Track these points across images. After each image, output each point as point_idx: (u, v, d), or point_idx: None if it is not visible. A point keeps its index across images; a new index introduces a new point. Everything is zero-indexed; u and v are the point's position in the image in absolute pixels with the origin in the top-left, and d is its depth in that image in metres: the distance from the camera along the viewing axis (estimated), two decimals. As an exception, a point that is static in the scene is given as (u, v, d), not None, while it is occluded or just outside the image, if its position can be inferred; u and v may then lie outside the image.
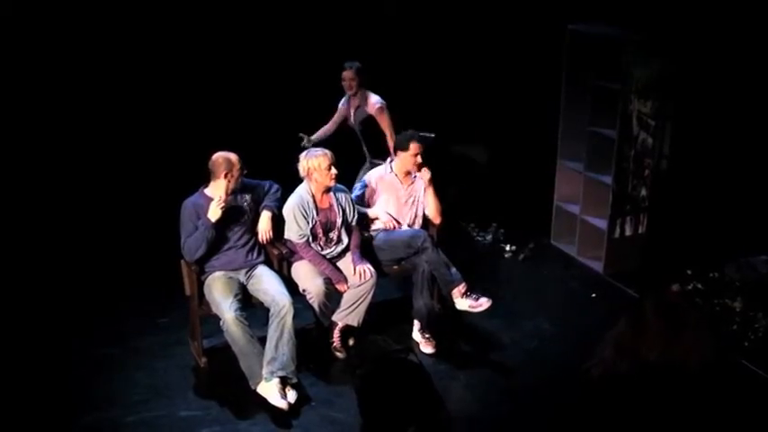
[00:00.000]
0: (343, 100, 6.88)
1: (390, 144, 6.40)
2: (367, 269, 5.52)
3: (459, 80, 8.30)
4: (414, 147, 5.75)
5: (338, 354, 5.68)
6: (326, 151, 5.44)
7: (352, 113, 6.78)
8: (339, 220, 5.57)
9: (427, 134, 6.29)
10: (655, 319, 4.90)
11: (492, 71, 8.26)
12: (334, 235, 5.59)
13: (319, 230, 5.54)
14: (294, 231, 5.49)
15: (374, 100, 6.66)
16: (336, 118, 6.98)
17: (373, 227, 5.87)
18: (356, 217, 5.67)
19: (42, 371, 5.45)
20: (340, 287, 5.51)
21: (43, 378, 5.37)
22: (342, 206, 5.58)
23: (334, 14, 7.72)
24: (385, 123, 6.64)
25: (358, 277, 5.50)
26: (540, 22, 7.76)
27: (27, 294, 6.30)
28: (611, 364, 4.83)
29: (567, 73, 7.04)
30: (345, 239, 5.63)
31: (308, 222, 5.48)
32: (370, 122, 6.69)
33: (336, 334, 5.68)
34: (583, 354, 5.58)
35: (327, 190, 5.51)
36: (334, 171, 5.41)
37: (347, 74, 6.61)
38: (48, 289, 6.40)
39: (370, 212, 5.86)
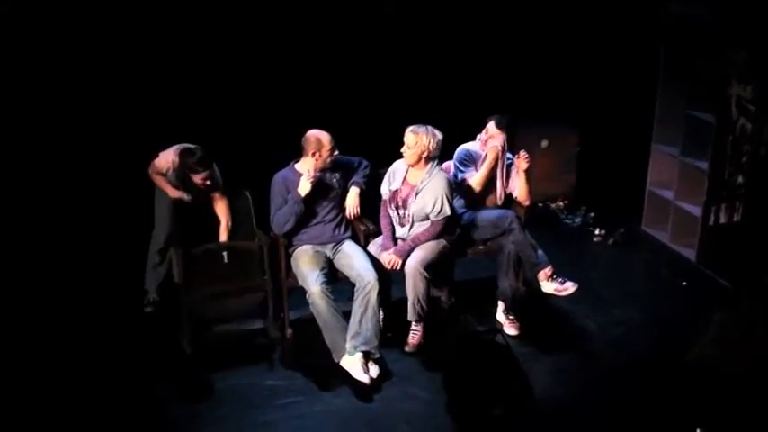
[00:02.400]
0: None
1: None
2: (390, 261, 5.40)
3: (552, 59, 8.18)
4: (490, 127, 5.71)
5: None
6: (419, 131, 5.32)
7: None
8: (410, 207, 5.43)
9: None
10: (756, 312, 4.76)
11: (587, 52, 8.11)
12: (405, 217, 5.51)
13: (392, 202, 5.53)
14: (383, 187, 5.58)
15: None
16: None
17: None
18: (441, 215, 5.42)
19: (134, 338, 5.64)
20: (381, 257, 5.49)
21: (133, 346, 5.56)
22: (425, 197, 5.40)
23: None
24: None
25: (384, 261, 5.45)
26: (637, 3, 7.57)
27: (126, 274, 6.32)
28: (715, 359, 4.71)
29: (665, 55, 6.87)
30: (416, 228, 5.51)
31: (389, 188, 5.52)
32: None
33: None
34: (671, 343, 5.53)
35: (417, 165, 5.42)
36: (405, 150, 5.36)
37: None
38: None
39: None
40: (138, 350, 5.51)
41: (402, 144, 5.41)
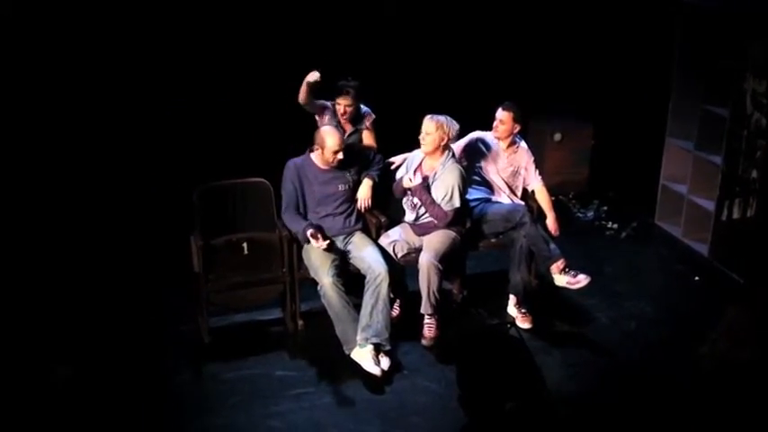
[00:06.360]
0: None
1: None
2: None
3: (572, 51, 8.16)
4: (498, 113, 5.71)
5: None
6: (439, 119, 5.34)
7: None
8: (422, 195, 5.42)
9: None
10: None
11: (602, 45, 8.09)
12: (418, 205, 5.51)
13: (406, 189, 5.53)
14: (399, 172, 5.64)
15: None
16: None
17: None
18: (450, 205, 5.41)
19: (146, 331, 5.66)
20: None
21: (145, 337, 5.58)
22: (437, 187, 5.40)
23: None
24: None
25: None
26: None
27: (140, 271, 6.36)
28: (727, 353, 4.70)
29: (681, 49, 6.84)
30: (426, 216, 5.51)
31: (406, 173, 5.54)
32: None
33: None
34: (683, 338, 5.52)
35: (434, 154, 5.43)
36: (423, 137, 5.36)
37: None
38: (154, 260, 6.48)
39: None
40: (152, 340, 5.54)
41: (418, 133, 5.41)
